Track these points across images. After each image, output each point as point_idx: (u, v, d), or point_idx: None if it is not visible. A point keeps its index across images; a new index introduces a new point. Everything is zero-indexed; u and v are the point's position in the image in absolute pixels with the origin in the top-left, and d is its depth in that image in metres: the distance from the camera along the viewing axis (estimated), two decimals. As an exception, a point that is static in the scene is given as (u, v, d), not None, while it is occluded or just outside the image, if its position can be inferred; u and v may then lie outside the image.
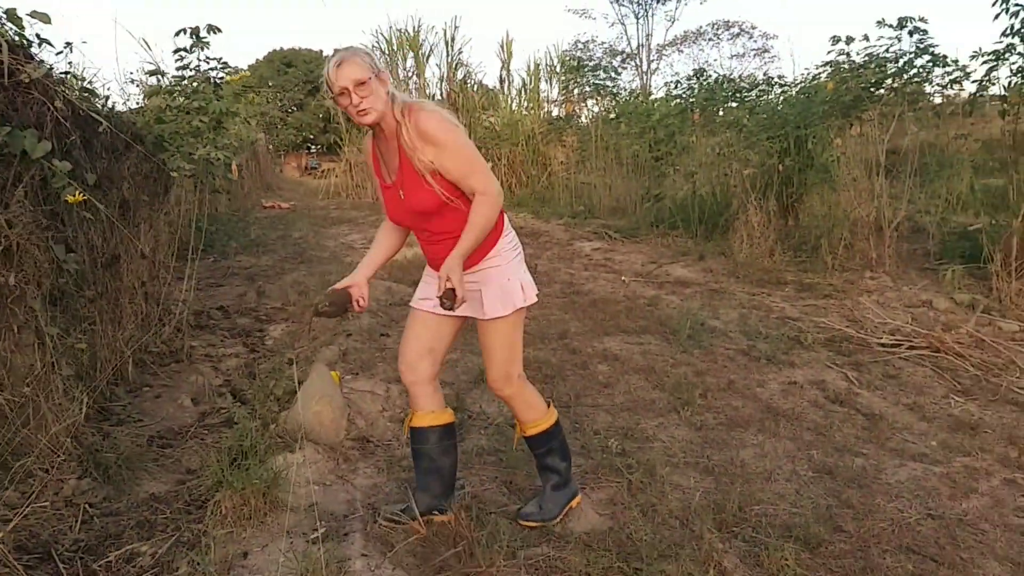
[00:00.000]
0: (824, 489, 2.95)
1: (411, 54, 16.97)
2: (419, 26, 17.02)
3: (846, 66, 9.13)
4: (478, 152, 2.33)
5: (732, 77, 13.86)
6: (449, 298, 2.13)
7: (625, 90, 16.44)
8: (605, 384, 4.10)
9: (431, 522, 2.54)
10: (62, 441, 2.97)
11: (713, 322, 5.20)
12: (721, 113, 11.33)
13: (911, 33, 9.30)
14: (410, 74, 17.08)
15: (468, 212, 2.29)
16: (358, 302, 2.41)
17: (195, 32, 4.86)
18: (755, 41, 28.80)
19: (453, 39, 16.71)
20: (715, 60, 29.25)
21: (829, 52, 9.29)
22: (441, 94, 16.42)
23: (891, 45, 9.47)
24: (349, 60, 2.19)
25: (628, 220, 10.04)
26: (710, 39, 29.27)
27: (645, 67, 28.62)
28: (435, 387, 2.60)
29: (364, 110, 2.20)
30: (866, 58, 9.56)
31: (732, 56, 29.42)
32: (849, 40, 8.98)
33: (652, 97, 14.75)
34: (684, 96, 12.27)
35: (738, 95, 11.59)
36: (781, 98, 9.47)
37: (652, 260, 7.60)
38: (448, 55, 16.83)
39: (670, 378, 4.13)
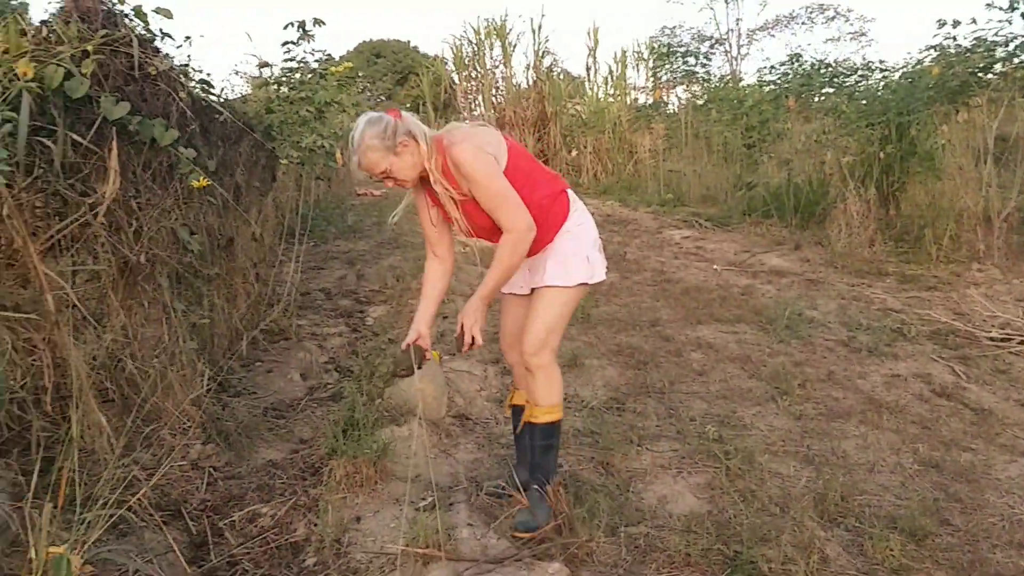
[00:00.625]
0: (930, 483, 2.89)
1: (498, 43, 17.09)
2: (507, 15, 17.15)
3: (952, 50, 8.70)
4: (508, 185, 2.29)
5: (829, 62, 13.41)
6: (459, 343, 2.27)
7: (715, 76, 16.13)
8: (700, 372, 4.09)
9: (536, 492, 2.61)
10: (187, 409, 3.18)
11: (811, 312, 5.10)
12: (818, 99, 11.00)
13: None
14: (497, 63, 17.21)
15: (536, 203, 2.33)
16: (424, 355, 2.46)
17: (301, 25, 5.07)
18: (851, 24, 27.71)
19: (540, 27, 16.72)
20: (808, 44, 28.30)
21: (935, 36, 8.87)
22: (527, 82, 16.47)
23: (1001, 28, 8.97)
24: (364, 157, 2.25)
25: (719, 208, 9.88)
26: (803, 23, 28.32)
27: (735, 52, 27.92)
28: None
29: (399, 185, 2.34)
30: (974, 41, 9.09)
31: (827, 40, 28.41)
32: (956, 23, 8.56)
33: (743, 83, 14.43)
34: (778, 82, 11.95)
35: (836, 80, 11.22)
36: (882, 84, 9.11)
37: (745, 249, 7.47)
38: (535, 43, 16.86)
39: (767, 367, 4.09)
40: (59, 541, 2.01)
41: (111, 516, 2.13)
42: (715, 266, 6.79)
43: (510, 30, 17.14)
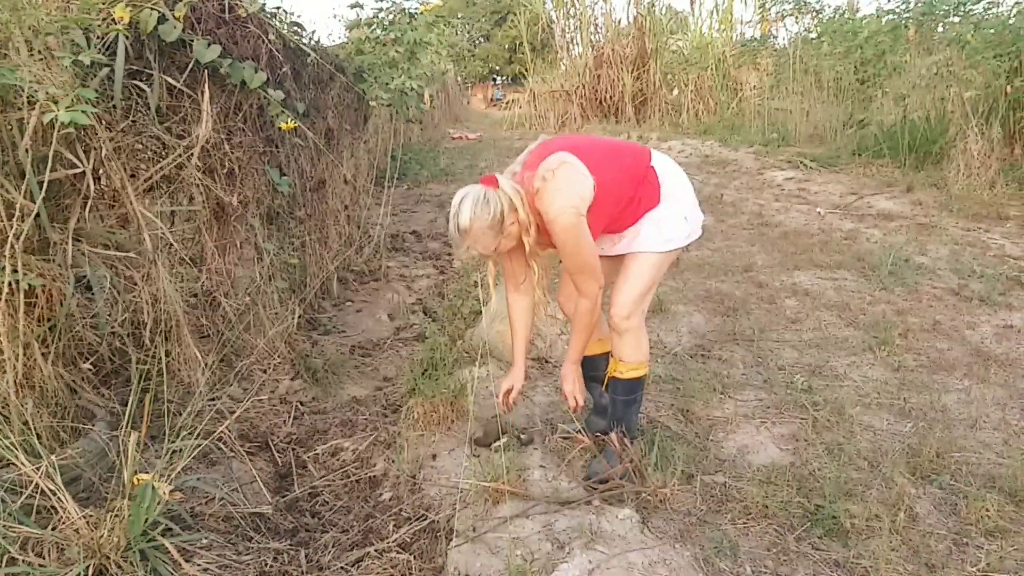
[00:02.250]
0: (1038, 441, 2.69)
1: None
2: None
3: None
4: (592, 252, 2.26)
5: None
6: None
7: (829, 7, 15.11)
8: (793, 319, 3.93)
9: (604, 441, 2.59)
10: (277, 346, 3.31)
11: (919, 258, 4.79)
12: (941, 29, 10.15)
13: None
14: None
15: (630, 198, 2.31)
16: (510, 399, 2.55)
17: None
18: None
19: (642, -40, 16.07)
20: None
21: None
22: (627, 19, 15.95)
23: None
24: (475, 243, 2.17)
25: (827, 148, 9.37)
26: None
27: (854, -19, 26.06)
28: (600, 317, 2.56)
29: (501, 258, 2.35)
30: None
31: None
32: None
33: (860, 14, 13.47)
34: (897, 11, 11.09)
35: (961, 8, 10.30)
36: (1014, 11, 8.31)
37: (852, 191, 7.07)
38: (636, -22, 16.24)
39: (866, 316, 3.89)
40: (149, 469, 2.14)
41: (198, 446, 2.24)
42: (818, 209, 6.47)
43: (610, -36, 16.56)
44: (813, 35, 12.30)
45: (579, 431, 2.59)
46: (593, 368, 2.65)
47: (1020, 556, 2.08)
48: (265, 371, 3.13)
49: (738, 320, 3.92)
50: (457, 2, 36.94)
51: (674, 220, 2.35)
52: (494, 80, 35.88)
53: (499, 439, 2.54)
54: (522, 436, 2.66)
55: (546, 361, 3.46)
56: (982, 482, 2.42)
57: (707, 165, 9.06)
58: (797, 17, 14.61)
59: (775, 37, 14.92)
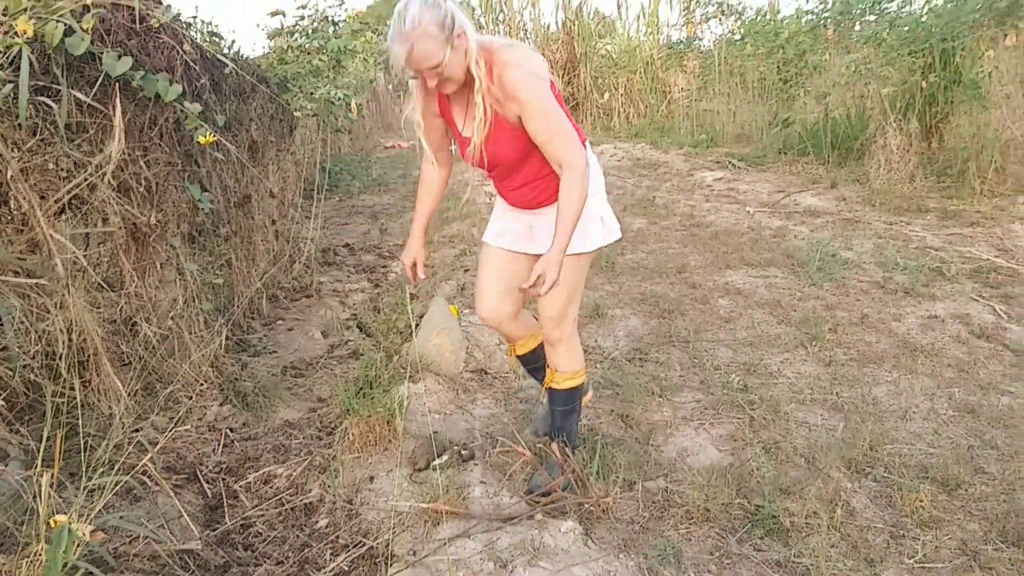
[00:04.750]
0: (965, 429, 2.77)
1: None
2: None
3: (1003, -35, 8.19)
4: (559, 111, 2.05)
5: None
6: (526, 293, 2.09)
7: (751, 9, 15.48)
8: (727, 319, 3.98)
9: (544, 452, 2.56)
10: (204, 370, 3.18)
11: (846, 253, 4.92)
12: (858, 28, 10.50)
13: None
14: (525, 4, 16.77)
15: (548, 166, 2.12)
16: (416, 272, 2.40)
17: (311, -28, 4.92)
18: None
19: (569, -35, 16.20)
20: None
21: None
22: (556, 24, 16.03)
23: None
24: (418, 45, 1.88)
25: (753, 148, 9.57)
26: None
27: (774, -17, 26.84)
28: (521, 314, 2.48)
29: (442, 86, 2.01)
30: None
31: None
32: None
33: (781, 15, 13.84)
34: (816, 12, 11.43)
35: (877, 7, 10.68)
36: (925, 9, 8.64)
37: (779, 189, 7.23)
38: (564, -18, 16.35)
39: (797, 312, 3.96)
40: (68, 509, 2.02)
41: (119, 482, 2.12)
42: (747, 208, 6.59)
43: (537, -31, 16.63)
44: (737, 37, 12.58)
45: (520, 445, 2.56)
46: (534, 360, 2.59)
47: (955, 545, 2.13)
48: (191, 397, 3.00)
49: (674, 322, 3.95)
50: (386, 9, 36.62)
51: (593, 221, 2.23)
52: (426, 87, 35.73)
53: (439, 457, 2.49)
54: (463, 452, 2.61)
55: (485, 372, 3.42)
56: (915, 473, 2.47)
57: (639, 168, 9.16)
58: (721, 19, 14.95)
59: (700, 39, 15.22)
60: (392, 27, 1.92)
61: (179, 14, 3.50)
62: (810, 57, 9.86)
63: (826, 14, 10.83)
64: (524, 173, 2.21)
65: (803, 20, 11.12)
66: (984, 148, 6.18)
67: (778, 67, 10.40)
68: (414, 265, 2.41)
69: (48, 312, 2.75)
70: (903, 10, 9.74)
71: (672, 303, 4.20)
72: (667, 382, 3.25)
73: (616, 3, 16.84)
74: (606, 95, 14.55)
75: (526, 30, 16.76)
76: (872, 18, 10.25)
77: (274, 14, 5.08)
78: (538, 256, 2.19)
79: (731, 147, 9.99)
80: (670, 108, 13.48)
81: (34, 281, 2.71)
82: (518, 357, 2.61)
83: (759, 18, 13.15)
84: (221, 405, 3.03)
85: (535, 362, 2.59)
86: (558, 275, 2.00)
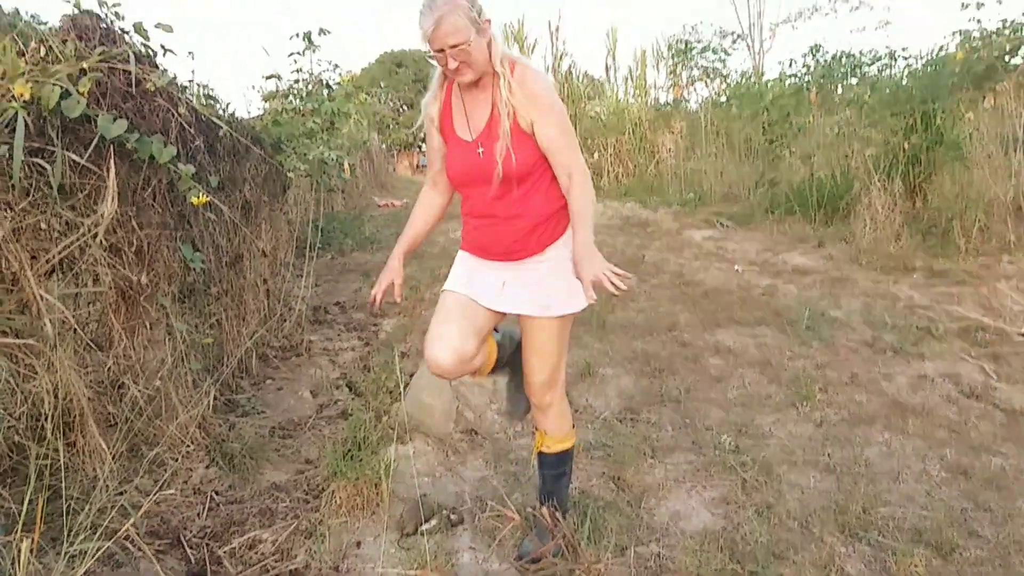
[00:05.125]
0: (958, 491, 2.75)
1: (516, 47, 17.02)
2: (523, 20, 17.10)
3: (977, 33, 8.43)
4: (571, 125, 2.14)
5: (851, 52, 13.14)
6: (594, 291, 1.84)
7: (736, 72, 15.89)
8: (717, 378, 3.97)
9: (534, 516, 2.52)
10: (191, 431, 3.14)
11: (834, 312, 4.95)
12: (840, 91, 10.77)
13: (1054, -5, 8.50)
14: (516, 67, 17.14)
15: (545, 192, 2.10)
16: (394, 292, 2.33)
17: (307, 36, 5.03)
18: (876, 13, 27.20)
19: (558, 30, 16.62)
20: (833, 36, 27.86)
21: (958, 19, 8.65)
22: (547, 85, 16.35)
23: (1029, 8, 8.70)
24: (447, 18, 1.90)
25: (741, 207, 9.70)
26: (827, 14, 27.87)
27: (757, 47, 27.60)
28: (481, 351, 2.24)
29: (463, 72, 1.99)
30: (999, 24, 8.80)
31: (852, 31, 27.90)
32: (980, 5, 8.30)
33: (765, 78, 14.20)
34: (799, 75, 11.74)
35: (858, 71, 10.98)
36: (905, 72, 8.88)
37: (767, 248, 7.31)
38: (553, 47, 16.75)
39: (787, 371, 3.96)
40: (48, 575, 1.97)
41: (101, 548, 2.07)
42: (736, 267, 6.64)
43: (527, 35, 17.08)
44: (723, 99, 12.87)
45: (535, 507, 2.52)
46: (497, 370, 2.43)
47: (949, 612, 2.10)
48: (177, 459, 2.95)
49: (664, 381, 3.94)
50: (380, 71, 37.39)
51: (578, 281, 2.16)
52: (419, 147, 36.23)
53: (428, 521, 2.45)
54: (451, 516, 2.57)
55: (475, 433, 3.39)
56: (909, 536, 2.45)
57: (628, 226, 9.25)
58: (707, 82, 15.33)
59: (687, 101, 15.56)
60: (423, 4, 1.94)
61: (175, 77, 3.56)
62: (794, 119, 10.08)
63: (808, 77, 11.13)
64: (521, 198, 2.10)
65: (787, 83, 11.42)
66: (968, 207, 6.28)
67: (763, 128, 10.61)
68: (390, 285, 2.33)
69: (35, 373, 2.72)
70: (883, 74, 10.03)
71: (663, 362, 4.20)
72: (659, 443, 3.23)
73: (604, 66, 17.19)
74: (595, 155, 14.77)
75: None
76: (854, 81, 10.55)
77: (269, 77, 5.18)
78: (502, 314, 2.23)
79: (719, 206, 10.12)
80: (658, 168, 13.68)
81: (22, 341, 2.69)
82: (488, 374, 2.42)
83: (744, 81, 13.49)
84: (207, 467, 2.98)
85: (498, 370, 2.42)
86: (602, 262, 1.86)
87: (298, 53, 5.07)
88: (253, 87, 8.77)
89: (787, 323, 4.76)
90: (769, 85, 11.89)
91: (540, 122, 2.03)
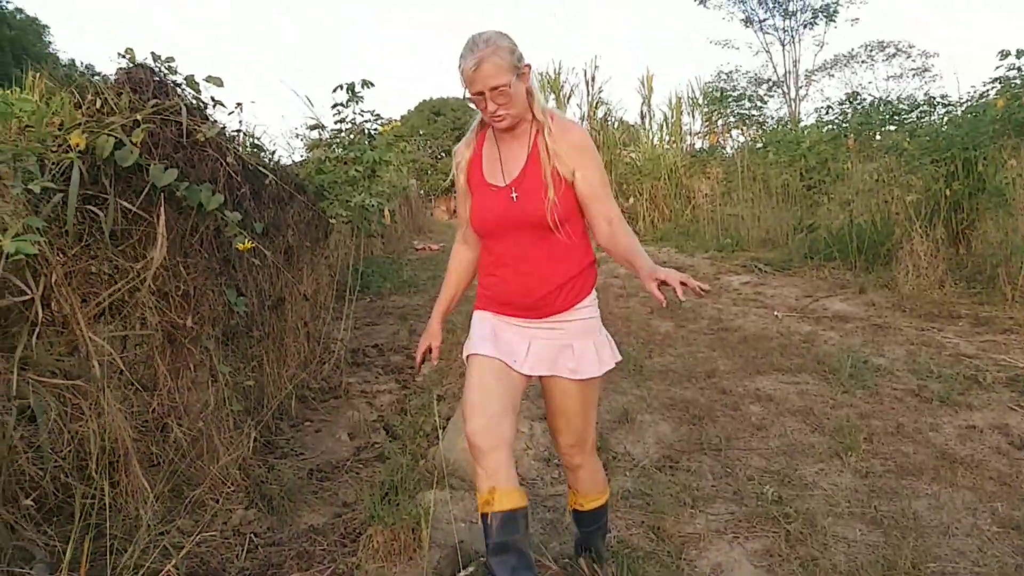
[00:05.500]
0: (1011, 546, 2.65)
1: (552, 96, 17.28)
2: (559, 68, 17.38)
3: (1017, 81, 8.37)
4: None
5: (889, 99, 13.09)
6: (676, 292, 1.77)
7: (772, 118, 15.93)
8: (758, 426, 3.91)
9: (573, 567, 2.49)
10: (231, 473, 3.18)
11: (877, 360, 4.85)
12: (878, 137, 10.72)
13: (1096, 41, 8.41)
14: (551, 114, 17.36)
15: (577, 245, 2.08)
16: (433, 356, 2.32)
17: (350, 87, 5.18)
18: (913, 60, 27.13)
19: (593, 79, 16.89)
20: (869, 83, 27.77)
21: (997, 68, 8.57)
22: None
23: (1067, 56, 8.60)
24: (488, 60, 1.90)
25: (779, 252, 9.63)
26: (863, 61, 27.90)
27: (793, 94, 27.66)
28: (512, 455, 1.99)
29: (500, 116, 1.99)
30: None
31: (888, 77, 27.80)
32: (1020, 53, 8.25)
33: (801, 124, 14.21)
34: (836, 122, 11.72)
35: (896, 118, 10.93)
36: (945, 119, 8.82)
37: (807, 294, 7.23)
38: (588, 95, 17.02)
39: (830, 420, 3.88)
40: (89, 616, 1.99)
41: (142, 589, 2.09)
42: (775, 312, 6.57)
43: (564, 82, 17.37)
44: (759, 145, 12.89)
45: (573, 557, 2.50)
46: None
47: (1007, 675, 2.01)
48: (218, 500, 2.98)
49: (704, 428, 3.89)
50: (419, 119, 38.15)
51: (606, 341, 2.18)
52: (455, 192, 36.71)
53: (465, 568, 2.43)
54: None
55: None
56: (961, 594, 2.36)
57: (665, 271, 9.22)
58: (743, 129, 15.38)
59: (723, 147, 15.60)
60: (464, 47, 1.95)
61: (224, 128, 3.68)
62: (832, 165, 10.05)
63: (846, 124, 11.11)
64: (551, 247, 2.06)
65: (824, 129, 11.40)
66: (1013, 254, 6.16)
67: (801, 174, 10.59)
68: (428, 350, 2.33)
69: (83, 413, 2.78)
70: (922, 120, 9.96)
71: (702, 409, 4.15)
72: (699, 492, 3.17)
73: (640, 113, 17.38)
74: (631, 200, 14.84)
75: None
76: (892, 127, 10.49)
77: (313, 127, 5.33)
78: (527, 377, 2.11)
79: (757, 251, 10.06)
80: (694, 213, 13.69)
81: (71, 383, 2.76)
82: (495, 513, 1.92)
83: (780, 127, 13.51)
84: (247, 508, 3.00)
85: (512, 532, 1.93)
86: (676, 273, 1.79)
87: (341, 105, 5.22)
88: (296, 135, 9.01)
89: (829, 371, 4.68)
90: (806, 132, 11.90)
91: (583, 171, 2.03)
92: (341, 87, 5.16)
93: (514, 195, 2.05)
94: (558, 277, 2.07)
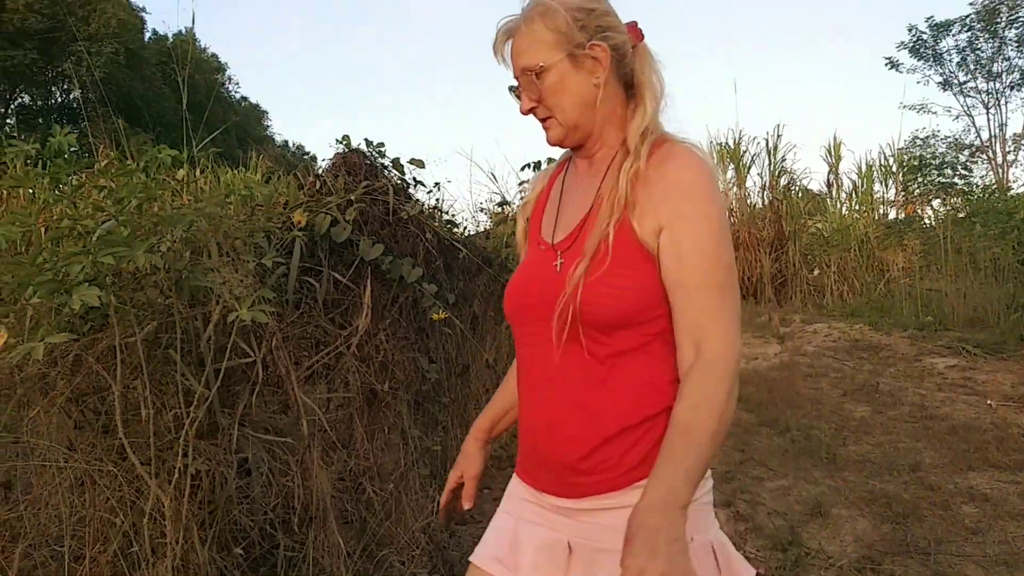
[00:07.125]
0: None
1: (732, 165, 17.00)
2: (740, 137, 17.09)
3: None
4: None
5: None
6: None
7: (978, 186, 14.73)
8: (973, 530, 3.52)
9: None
10: (417, 536, 3.28)
11: (1118, 462, 4.25)
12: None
13: None
14: (730, 185, 17.06)
15: (650, 370, 1.22)
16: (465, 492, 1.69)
17: (536, 165, 5.39)
18: None
19: (776, 147, 16.46)
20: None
21: None
22: (763, 202, 16.09)
23: None
24: (528, 24, 1.25)
25: (989, 334, 8.74)
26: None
27: (1000, 160, 25.48)
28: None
29: (544, 124, 1.32)
30: None
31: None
32: None
33: (1011, 192, 13.03)
34: (1056, 190, 10.67)
35: None
36: None
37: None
38: (770, 163, 16.57)
39: (1062, 529, 3.43)
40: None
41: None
42: (988, 401, 5.94)
43: (744, 151, 17.05)
44: (963, 215, 11.94)
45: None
46: None
47: None
48: (404, 563, 3.09)
49: (909, 528, 3.55)
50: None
51: (702, 547, 1.19)
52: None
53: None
54: None
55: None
56: None
57: (857, 350, 8.65)
58: (944, 198, 14.33)
59: (921, 218, 14.59)
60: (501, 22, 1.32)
61: (424, 206, 3.95)
62: (1052, 237, 9.11)
63: (1069, 192, 10.07)
64: (598, 369, 1.23)
65: (1041, 199, 10.40)
66: None
67: (1013, 247, 9.67)
68: (458, 485, 1.68)
69: (290, 468, 3.01)
70: None
71: (907, 506, 3.80)
72: (906, 600, 2.89)
73: (826, 181, 16.67)
74: (816, 271, 14.15)
75: (732, 209, 16.97)
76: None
77: (501, 204, 5.58)
78: None
79: (963, 332, 9.19)
80: (889, 287, 12.79)
81: (283, 440, 3.00)
82: None
83: (988, 196, 12.46)
84: (430, 573, 3.08)
85: None
86: (669, 561, 0.99)
87: (526, 182, 5.44)
88: (482, 210, 9.46)
89: (1058, 471, 4.15)
90: (1018, 200, 10.90)
91: (673, 232, 1.18)
92: (528, 165, 5.39)
93: (559, 262, 1.29)
94: (607, 423, 1.22)
